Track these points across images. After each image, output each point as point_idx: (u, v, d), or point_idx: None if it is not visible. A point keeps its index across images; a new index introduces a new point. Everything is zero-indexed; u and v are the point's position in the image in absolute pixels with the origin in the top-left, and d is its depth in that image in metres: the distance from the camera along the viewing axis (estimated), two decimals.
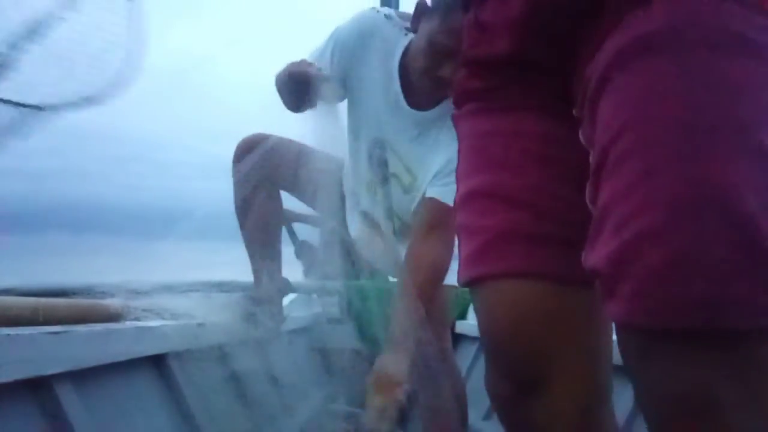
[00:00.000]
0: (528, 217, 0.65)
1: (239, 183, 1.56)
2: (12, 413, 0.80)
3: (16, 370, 0.77)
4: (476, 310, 0.71)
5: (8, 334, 0.77)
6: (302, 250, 1.92)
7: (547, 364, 0.64)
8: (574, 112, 0.61)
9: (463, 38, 0.74)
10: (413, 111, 1.39)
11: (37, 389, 0.84)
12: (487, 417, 1.95)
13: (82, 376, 0.91)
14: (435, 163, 1.38)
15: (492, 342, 0.68)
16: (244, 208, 1.56)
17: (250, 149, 1.54)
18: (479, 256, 0.68)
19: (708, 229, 0.45)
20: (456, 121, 0.77)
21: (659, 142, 0.49)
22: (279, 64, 1.37)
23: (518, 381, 0.66)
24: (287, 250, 1.67)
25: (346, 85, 1.43)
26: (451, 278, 1.62)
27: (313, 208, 1.56)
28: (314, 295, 2.10)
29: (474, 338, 2.27)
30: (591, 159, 0.56)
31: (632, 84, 0.51)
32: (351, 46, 1.40)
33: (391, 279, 1.90)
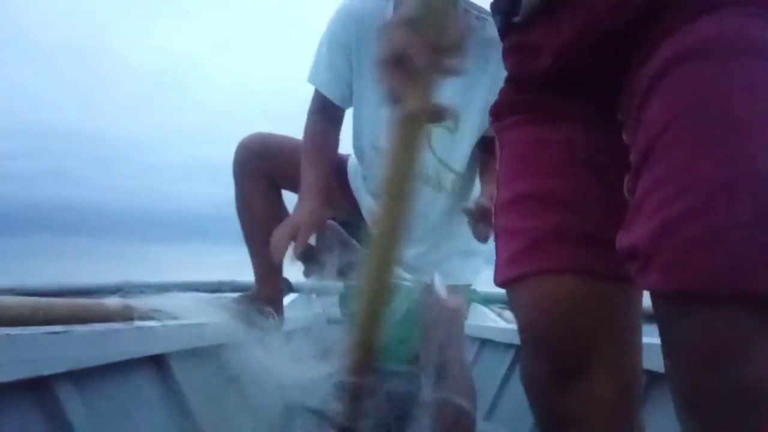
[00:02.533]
0: (575, 218, 0.71)
1: (240, 182, 1.56)
2: (12, 413, 0.80)
3: (16, 370, 0.77)
4: (517, 306, 0.76)
5: (8, 334, 0.76)
6: (302, 250, 1.92)
7: (589, 351, 0.69)
8: (618, 116, 0.67)
9: (505, 59, 0.80)
10: None
11: (37, 389, 0.84)
12: (487, 417, 1.95)
13: (82, 376, 0.91)
14: (477, 92, 1.36)
15: (538, 332, 0.73)
16: (245, 207, 1.56)
17: (251, 148, 1.54)
18: (523, 255, 0.72)
19: (740, 208, 0.52)
20: (499, 132, 0.82)
21: (702, 133, 0.55)
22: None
23: (560, 367, 0.71)
24: (287, 250, 1.67)
25: (360, 74, 1.41)
26: (464, 278, 1.62)
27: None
28: (314, 295, 2.10)
29: (474, 338, 2.27)
30: (632, 155, 0.62)
31: (679, 84, 0.58)
32: (348, 39, 1.39)
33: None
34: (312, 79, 1.47)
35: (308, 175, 1.43)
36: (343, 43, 1.40)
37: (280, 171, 1.53)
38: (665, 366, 0.60)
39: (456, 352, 1.47)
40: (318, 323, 1.91)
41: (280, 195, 1.59)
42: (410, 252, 1.48)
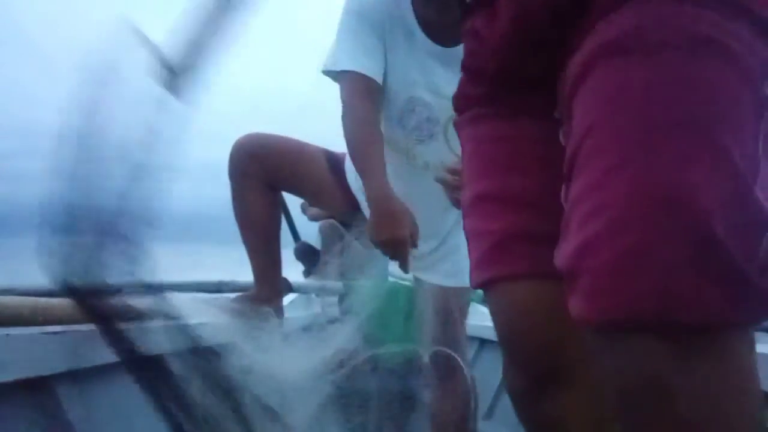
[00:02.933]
0: (534, 218, 0.67)
1: (236, 183, 1.55)
2: (12, 413, 0.80)
3: (16, 370, 0.77)
4: (491, 311, 0.74)
5: (8, 334, 0.76)
6: (302, 250, 1.92)
7: (563, 360, 0.67)
8: (555, 114, 0.64)
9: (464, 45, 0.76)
10: (443, 49, 1.32)
11: (37, 389, 0.83)
12: (487, 417, 1.95)
13: (82, 376, 0.91)
14: None
15: (508, 340, 0.71)
16: (241, 208, 1.56)
17: (246, 149, 1.54)
18: (489, 258, 0.70)
19: (661, 226, 0.46)
20: (459, 127, 0.78)
21: (622, 140, 0.49)
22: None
23: (534, 375, 0.69)
24: (287, 251, 1.67)
25: (392, 47, 1.37)
26: (464, 280, 1.61)
27: (313, 205, 1.55)
28: (314, 296, 2.10)
29: (473, 338, 2.27)
30: (565, 160, 0.57)
31: (601, 85, 0.53)
32: (379, 17, 1.34)
33: (391, 279, 1.90)
34: (347, 65, 1.36)
35: (375, 169, 1.28)
36: (372, 21, 1.35)
37: (275, 171, 1.52)
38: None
39: (456, 352, 1.47)
40: (318, 323, 1.91)
41: (275, 194, 1.59)
42: (423, 247, 1.44)
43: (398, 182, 1.31)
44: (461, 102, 0.77)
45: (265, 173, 1.53)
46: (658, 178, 0.47)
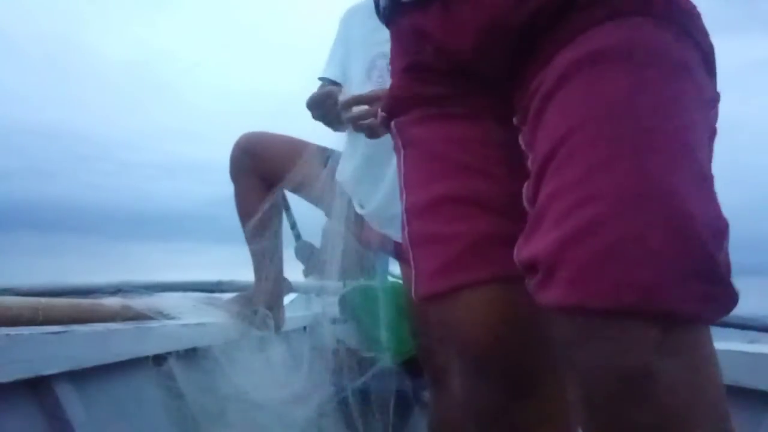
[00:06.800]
0: (500, 221, 0.65)
1: (236, 182, 1.56)
2: (12, 413, 0.80)
3: (16, 370, 0.77)
4: (450, 322, 0.69)
5: (8, 334, 0.77)
6: (302, 250, 1.92)
7: (540, 365, 0.65)
8: (514, 120, 0.64)
9: (396, 43, 0.74)
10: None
11: (37, 389, 0.84)
12: None
13: (82, 376, 0.91)
14: None
15: (481, 350, 0.67)
16: (242, 206, 1.56)
17: (245, 148, 1.54)
18: (460, 262, 0.66)
19: (648, 220, 0.49)
20: (400, 128, 0.74)
21: (607, 140, 0.52)
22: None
23: (510, 386, 0.66)
24: (287, 251, 1.67)
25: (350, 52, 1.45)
26: None
27: (314, 204, 1.55)
28: (314, 295, 2.10)
29: None
30: (531, 162, 0.59)
31: (584, 89, 0.55)
32: (345, 30, 1.43)
33: (391, 279, 1.90)
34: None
35: None
36: (342, 36, 1.45)
37: (274, 169, 1.53)
38: (570, 394, 0.55)
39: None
40: (318, 323, 1.91)
41: (280, 194, 1.59)
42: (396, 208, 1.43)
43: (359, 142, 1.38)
44: (403, 102, 0.73)
45: (263, 171, 1.53)
46: (645, 176, 0.50)
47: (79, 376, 0.90)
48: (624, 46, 0.55)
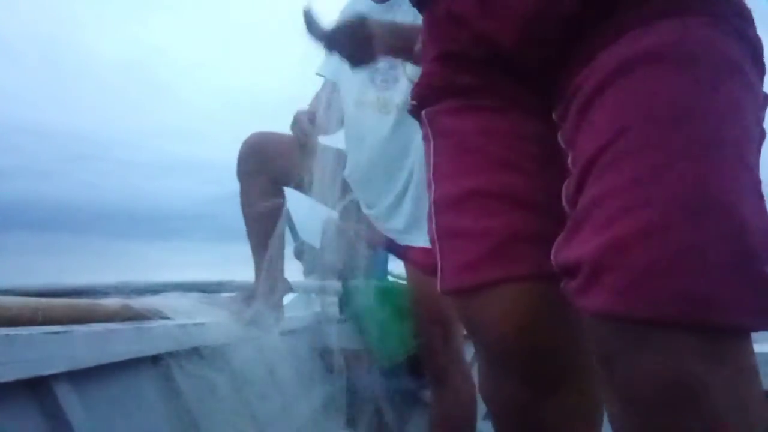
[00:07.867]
0: (535, 218, 0.64)
1: (242, 181, 1.56)
2: (12, 413, 0.79)
3: (15, 370, 0.77)
4: (478, 317, 0.68)
5: (8, 334, 0.76)
6: (302, 250, 1.92)
7: (567, 364, 0.65)
8: (553, 115, 0.62)
9: (431, 30, 0.71)
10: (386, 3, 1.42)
11: (37, 389, 0.83)
12: (487, 417, 1.95)
13: (82, 376, 0.91)
14: None
15: (510, 346, 0.66)
16: (246, 206, 1.57)
17: (251, 147, 1.55)
18: (492, 258, 0.65)
19: (708, 232, 0.47)
20: (430, 118, 0.73)
21: (662, 144, 0.50)
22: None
23: (538, 383, 0.66)
24: (287, 250, 1.68)
25: None
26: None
27: (319, 201, 1.56)
28: (314, 295, 2.10)
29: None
30: (572, 162, 0.57)
31: (634, 90, 0.53)
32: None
33: (391, 279, 1.90)
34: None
35: None
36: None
37: (280, 169, 1.53)
38: (606, 403, 0.54)
39: (456, 351, 1.47)
40: (318, 323, 1.91)
41: (281, 192, 1.59)
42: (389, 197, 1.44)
43: (352, 128, 1.48)
44: (435, 92, 0.71)
45: (268, 171, 1.53)
46: (701, 184, 0.48)
47: (78, 377, 0.90)
48: (678, 46, 0.53)
